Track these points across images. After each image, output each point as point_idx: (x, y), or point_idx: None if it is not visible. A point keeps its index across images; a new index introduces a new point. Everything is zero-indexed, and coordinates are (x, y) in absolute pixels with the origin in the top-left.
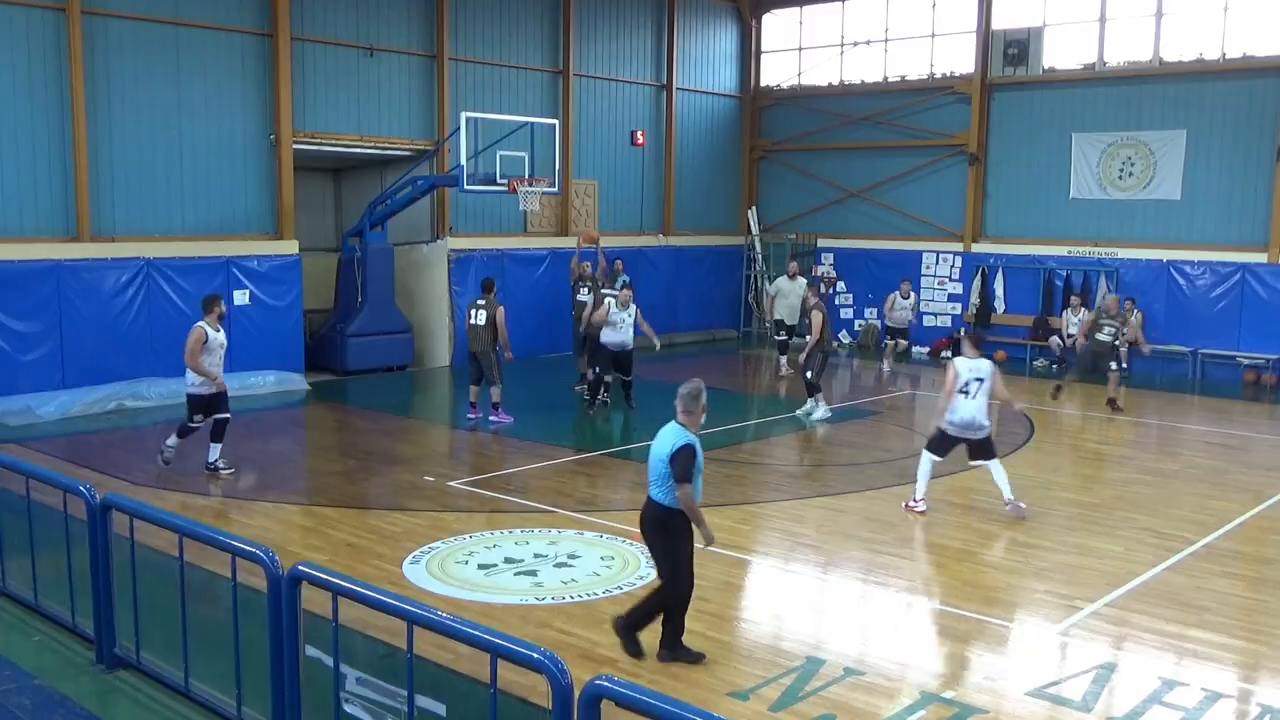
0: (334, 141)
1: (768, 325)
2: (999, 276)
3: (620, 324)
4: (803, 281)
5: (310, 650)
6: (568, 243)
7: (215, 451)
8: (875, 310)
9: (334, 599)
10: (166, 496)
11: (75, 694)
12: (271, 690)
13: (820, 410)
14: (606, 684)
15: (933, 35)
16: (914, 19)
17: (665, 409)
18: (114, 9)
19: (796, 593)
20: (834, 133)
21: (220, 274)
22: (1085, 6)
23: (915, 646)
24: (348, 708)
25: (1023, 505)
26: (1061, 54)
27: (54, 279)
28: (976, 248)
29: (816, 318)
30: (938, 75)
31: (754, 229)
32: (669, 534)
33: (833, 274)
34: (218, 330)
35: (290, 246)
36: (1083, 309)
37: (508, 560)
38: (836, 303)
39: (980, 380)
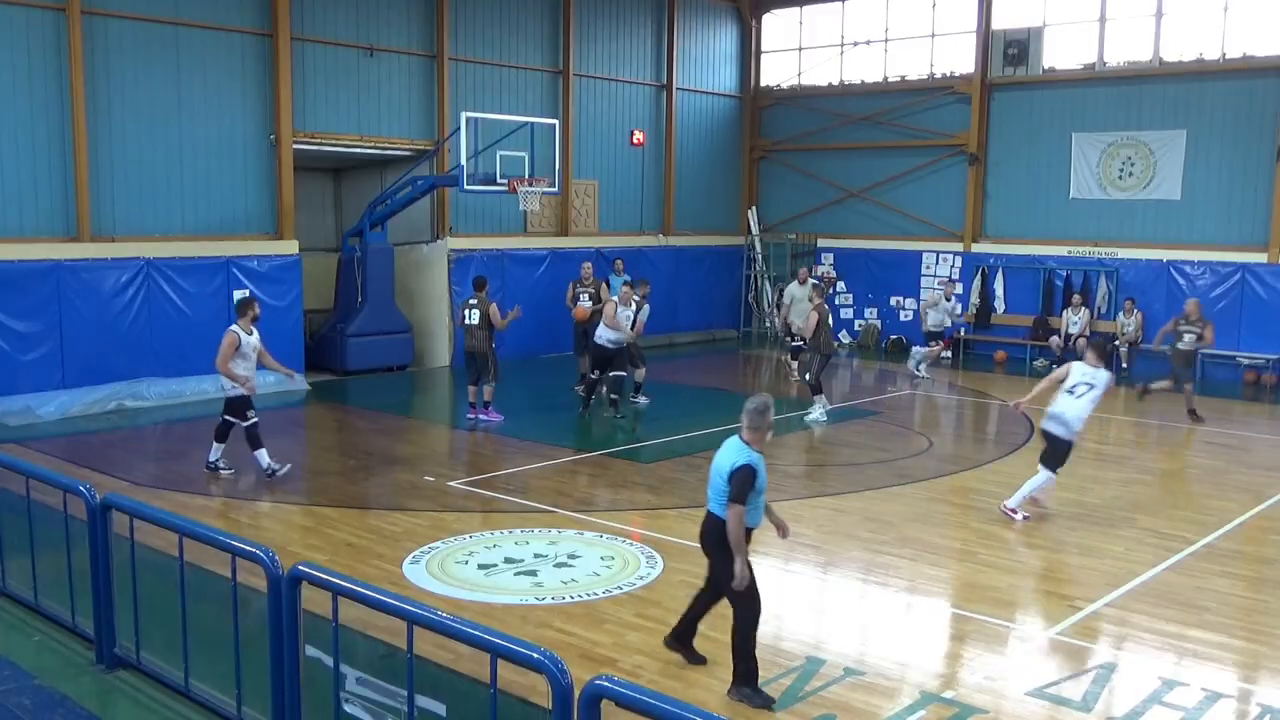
0: (334, 141)
1: (780, 333)
2: (999, 276)
3: (625, 319)
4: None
5: (310, 650)
6: (568, 243)
7: (217, 451)
8: (876, 310)
9: (334, 599)
10: (166, 496)
11: (75, 694)
12: (271, 690)
13: (816, 411)
14: (606, 684)
15: (933, 35)
16: (914, 19)
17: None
18: (114, 9)
19: (796, 593)
20: (834, 133)
21: (220, 274)
22: (1085, 6)
23: (915, 646)
24: (348, 708)
25: (1019, 517)
26: (1061, 54)
27: (54, 279)
28: (976, 248)
29: (813, 317)
30: (938, 75)
31: (754, 229)
32: (729, 548)
33: (833, 274)
34: (251, 333)
35: (290, 246)
36: (1084, 309)
37: (508, 560)
38: (836, 303)
39: (1091, 385)
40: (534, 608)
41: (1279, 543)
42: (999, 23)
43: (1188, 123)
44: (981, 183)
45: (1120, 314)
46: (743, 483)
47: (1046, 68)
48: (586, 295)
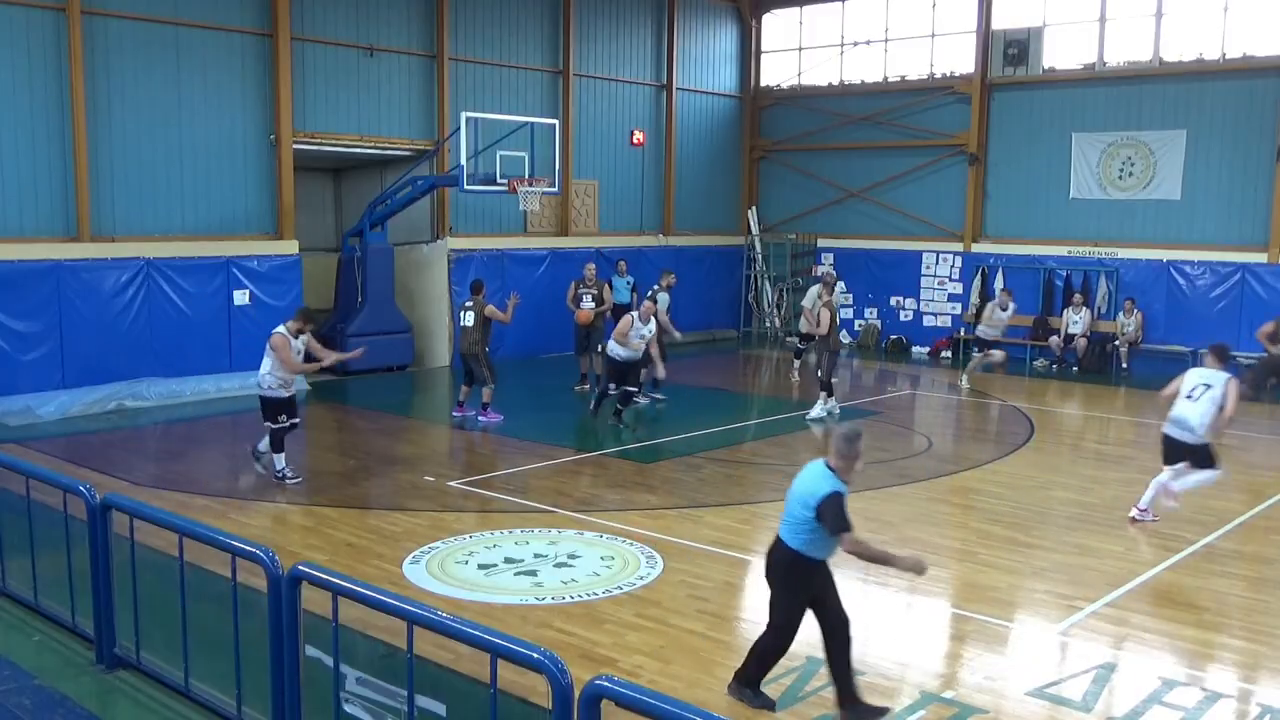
0: (334, 141)
1: (796, 340)
2: (999, 276)
3: (642, 339)
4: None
5: (310, 650)
6: (568, 243)
7: (280, 460)
8: (876, 310)
9: (334, 599)
10: (166, 496)
11: (75, 694)
12: (271, 690)
13: (818, 409)
14: (606, 684)
15: (933, 35)
16: (914, 19)
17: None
18: (114, 9)
19: None
20: (834, 133)
21: (220, 274)
22: (1085, 6)
23: (915, 646)
24: (348, 708)
25: (1147, 513)
26: (1061, 54)
27: (54, 279)
28: (976, 248)
29: (825, 315)
30: (938, 75)
31: (754, 229)
32: (794, 581)
33: (833, 274)
34: (296, 337)
35: (290, 246)
36: (1084, 308)
37: (508, 560)
38: (837, 303)
39: (1208, 386)
40: (534, 608)
41: (1279, 543)
42: (999, 23)
43: (1188, 123)
44: (981, 183)
45: (1120, 314)
46: (837, 510)
47: (1046, 68)
48: (590, 296)
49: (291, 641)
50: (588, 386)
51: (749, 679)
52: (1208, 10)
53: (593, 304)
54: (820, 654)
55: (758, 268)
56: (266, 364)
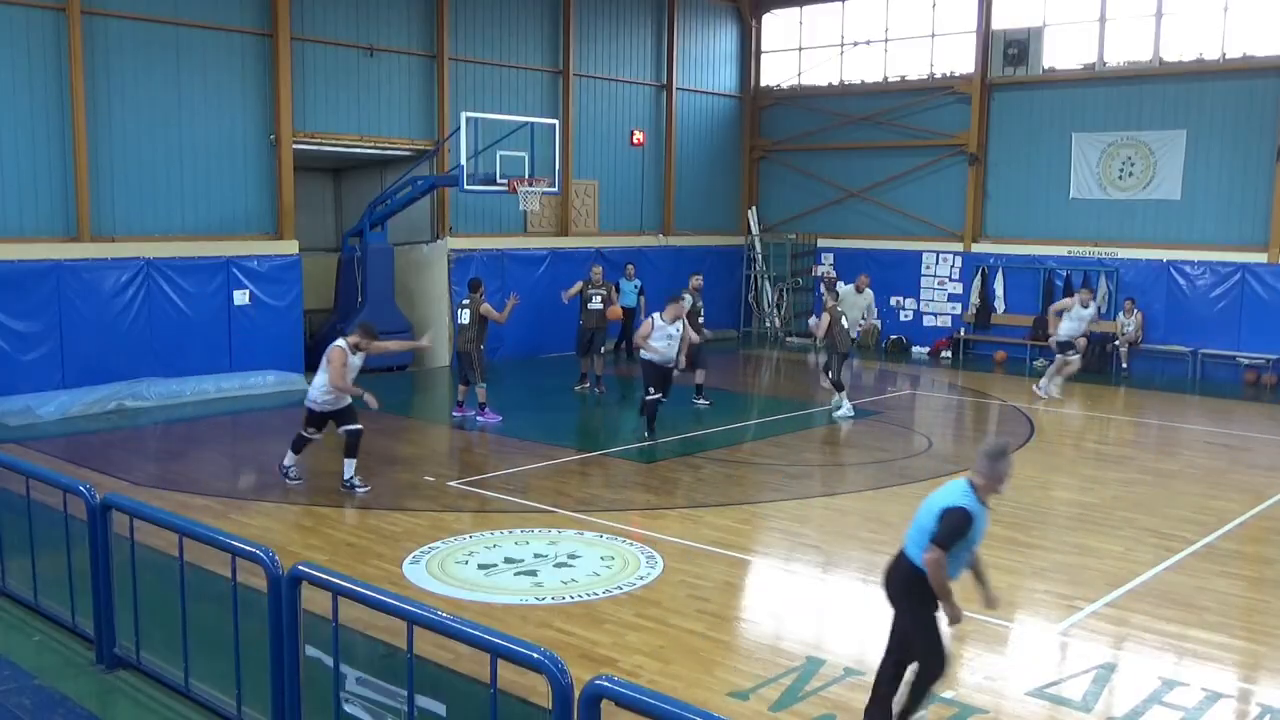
0: (334, 141)
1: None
2: (999, 276)
3: (670, 339)
4: (870, 294)
5: (310, 650)
6: (568, 243)
7: (350, 468)
8: (876, 310)
9: (334, 599)
10: (166, 496)
11: (75, 694)
12: (271, 690)
13: (845, 407)
14: (606, 684)
15: (933, 35)
16: (914, 19)
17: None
18: (114, 9)
19: (796, 593)
20: (834, 133)
21: (220, 274)
22: (1085, 6)
23: None
24: (348, 708)
25: None
26: (1061, 54)
27: (54, 279)
28: (976, 248)
29: (825, 317)
30: (938, 75)
31: (754, 229)
32: (919, 596)
33: (833, 274)
34: (354, 353)
35: (290, 246)
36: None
37: (508, 560)
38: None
39: None
40: (534, 608)
41: (1279, 543)
42: (999, 23)
43: (1188, 123)
44: (981, 183)
45: (1120, 314)
46: (954, 526)
47: (1046, 68)
48: (599, 297)
49: (291, 641)
50: (588, 386)
51: (903, 713)
52: (1208, 10)
53: (601, 304)
54: (820, 654)
55: (758, 268)
56: (320, 378)
